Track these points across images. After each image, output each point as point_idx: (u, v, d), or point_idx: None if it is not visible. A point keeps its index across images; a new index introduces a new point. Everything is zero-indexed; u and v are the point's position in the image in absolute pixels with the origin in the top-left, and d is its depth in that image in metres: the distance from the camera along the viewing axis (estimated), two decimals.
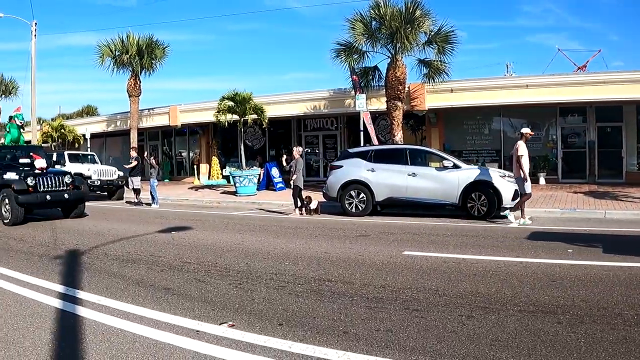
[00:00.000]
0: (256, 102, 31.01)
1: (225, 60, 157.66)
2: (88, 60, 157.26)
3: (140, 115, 40.92)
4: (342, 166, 19.94)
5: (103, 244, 13.56)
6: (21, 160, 20.66)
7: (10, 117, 23.59)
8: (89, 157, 34.27)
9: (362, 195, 19.01)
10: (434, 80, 27.07)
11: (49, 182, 19.30)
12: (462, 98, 28.97)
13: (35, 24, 41.86)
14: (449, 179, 18.00)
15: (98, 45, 38.03)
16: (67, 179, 19.97)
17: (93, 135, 43.93)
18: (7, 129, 23.28)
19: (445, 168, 18.24)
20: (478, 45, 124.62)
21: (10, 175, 18.98)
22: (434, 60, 26.65)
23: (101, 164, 33.91)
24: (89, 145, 42.42)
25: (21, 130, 23.25)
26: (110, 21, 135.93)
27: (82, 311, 7.43)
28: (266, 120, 31.60)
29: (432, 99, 29.38)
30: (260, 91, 61.83)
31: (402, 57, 26.54)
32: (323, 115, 35.72)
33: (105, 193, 31.11)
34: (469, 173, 17.99)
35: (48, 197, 19.01)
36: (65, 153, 33.11)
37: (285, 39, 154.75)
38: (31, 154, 21.21)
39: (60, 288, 8.84)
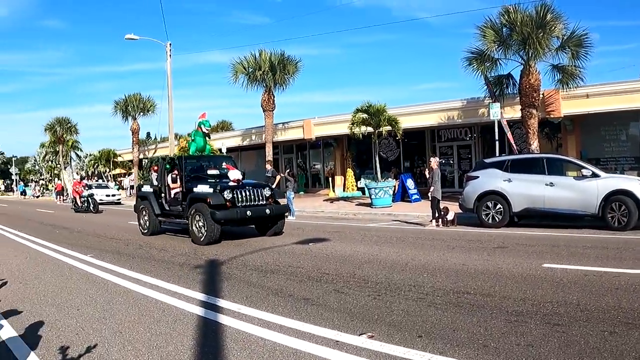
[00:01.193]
0: (390, 114, 30.98)
1: (356, 72, 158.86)
2: (221, 77, 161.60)
3: (275, 129, 41.59)
4: (478, 177, 19.64)
5: (242, 255, 13.90)
6: (209, 172, 18.80)
7: (197, 124, 20.87)
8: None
9: (498, 206, 18.65)
10: (568, 86, 26.30)
11: (248, 196, 17.40)
12: (598, 103, 27.96)
13: (170, 44, 43.37)
14: (587, 189, 17.36)
15: (232, 63, 39.02)
16: (266, 192, 18.05)
17: (229, 150, 44.84)
18: (192, 137, 21.11)
19: (584, 177, 17.57)
20: (612, 46, 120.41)
21: (202, 188, 17.29)
22: (568, 66, 25.87)
23: None
24: None
25: (207, 138, 21.14)
26: (241, 39, 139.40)
27: (223, 319, 7.62)
28: (400, 132, 31.50)
29: (568, 105, 28.55)
30: (393, 103, 61.72)
31: (535, 64, 25.92)
32: (457, 125, 35.30)
33: None
34: (608, 182, 17.26)
35: (249, 212, 16.89)
36: None
37: (416, 49, 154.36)
38: (224, 164, 19.81)
39: (201, 296, 9.13)
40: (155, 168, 20.50)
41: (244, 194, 17.31)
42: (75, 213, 35.56)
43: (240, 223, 17.80)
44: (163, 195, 19.44)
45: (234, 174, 17.70)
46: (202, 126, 20.39)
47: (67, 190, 60.47)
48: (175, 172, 19.05)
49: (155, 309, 8.40)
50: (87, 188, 39.27)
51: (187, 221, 17.24)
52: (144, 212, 19.81)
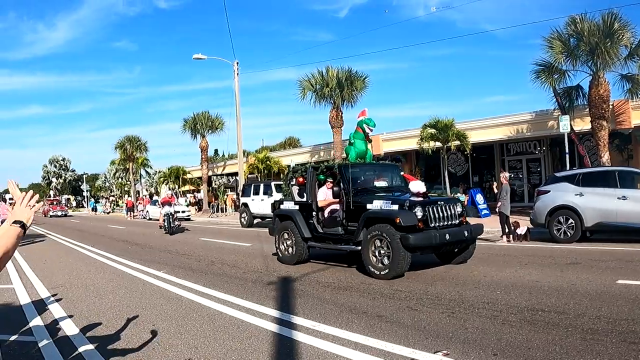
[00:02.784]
0: (458, 128, 30.97)
1: (423, 86, 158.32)
2: (288, 94, 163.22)
3: (343, 145, 41.64)
4: (549, 191, 19.45)
5: (314, 271, 14.05)
6: (377, 183, 15.39)
7: (357, 124, 17.10)
8: None
9: (570, 220, 18.42)
10: (637, 96, 25.89)
11: (442, 214, 13.27)
12: None
13: (237, 63, 44.10)
14: None
15: (299, 80, 39.61)
16: (458, 208, 13.87)
17: None
18: (350, 140, 17.11)
19: None
20: None
21: (381, 204, 13.26)
22: (637, 75, 25.48)
23: None
24: None
25: (369, 142, 17.05)
26: (307, 56, 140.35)
27: (297, 335, 7.74)
28: (469, 146, 31.41)
29: (638, 115, 28.09)
30: (460, 117, 61.30)
31: (603, 74, 25.62)
32: (526, 138, 34.98)
33: None
34: None
35: (447, 235, 12.78)
36: (272, 184, 34.55)
37: (483, 61, 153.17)
38: (402, 174, 16.67)
39: (274, 313, 9.25)
40: (301, 180, 16.36)
41: (437, 211, 13.19)
42: (160, 232, 31.72)
43: (435, 249, 13.54)
44: (315, 213, 15.38)
45: (417, 186, 13.78)
46: (365, 126, 16.57)
47: (137, 207, 61.45)
48: (329, 183, 15.22)
49: (229, 325, 8.55)
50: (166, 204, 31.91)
51: (357, 247, 13.45)
52: (285, 235, 15.91)
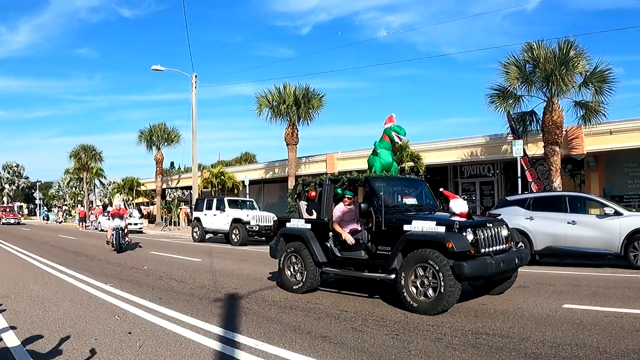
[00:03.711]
0: (413, 150, 31.13)
1: (381, 106, 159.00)
2: (246, 109, 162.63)
3: (298, 163, 41.77)
4: (500, 215, 19.54)
5: (261, 289, 13.91)
6: (407, 200, 13.07)
7: (384, 132, 15.02)
8: (248, 203, 35.43)
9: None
10: (590, 122, 26.21)
11: (491, 237, 11.26)
12: (621, 140, 27.88)
13: (196, 76, 44.27)
14: (610, 227, 17.27)
15: (256, 96, 39.56)
16: (505, 232, 11.75)
17: (251, 182, 45.15)
18: (376, 149, 14.92)
19: (606, 215, 17.48)
20: (637, 80, 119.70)
21: (421, 225, 11.21)
22: (591, 102, 25.81)
23: (259, 210, 34.75)
24: (247, 192, 43.61)
25: (394, 152, 15.22)
26: (268, 72, 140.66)
27: (240, 354, 7.65)
28: (423, 168, 31.59)
29: (591, 141, 28.51)
30: (418, 137, 61.61)
31: (558, 100, 25.98)
32: (480, 161, 35.33)
33: (264, 238, 31.85)
34: (631, 220, 17.12)
35: (502, 264, 10.89)
36: (225, 199, 34.43)
37: (441, 83, 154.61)
38: (441, 190, 13.83)
39: (219, 330, 9.12)
40: (313, 194, 14.37)
41: (487, 234, 11.17)
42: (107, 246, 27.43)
43: (487, 279, 11.59)
44: (331, 234, 13.00)
45: (459, 205, 11.82)
46: (395, 134, 14.56)
47: (89, 217, 60.76)
48: (347, 200, 13.15)
49: (173, 341, 8.41)
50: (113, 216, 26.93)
51: (390, 276, 11.38)
52: (293, 259, 13.55)
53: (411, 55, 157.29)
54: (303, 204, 14.83)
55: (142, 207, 70.59)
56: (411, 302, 10.59)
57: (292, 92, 38.40)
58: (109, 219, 28.35)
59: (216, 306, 11.55)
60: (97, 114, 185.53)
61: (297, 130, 39.26)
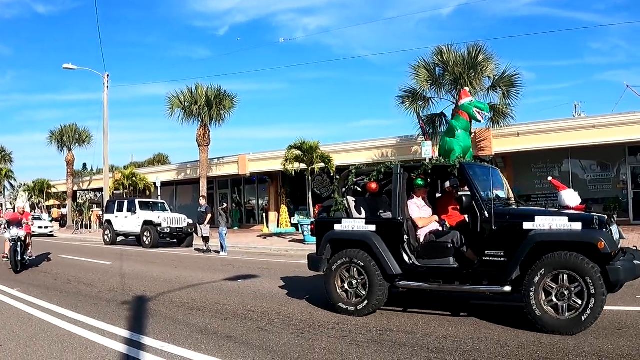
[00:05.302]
0: (323, 151, 31.34)
1: (295, 108, 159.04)
2: (159, 110, 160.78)
3: (210, 164, 41.63)
4: None
5: (170, 291, 13.77)
6: (498, 192, 10.35)
7: (459, 108, 12.35)
8: (160, 205, 35.09)
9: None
10: (498, 125, 26.94)
11: (617, 235, 9.28)
12: (529, 141, 28.71)
13: (108, 76, 43.54)
14: None
15: (168, 96, 39.33)
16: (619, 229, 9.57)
17: (164, 184, 44.73)
18: (452, 129, 11.93)
19: None
20: (548, 85, 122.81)
21: (549, 222, 9.00)
22: (499, 105, 26.49)
23: (171, 211, 34.52)
24: (159, 193, 43.25)
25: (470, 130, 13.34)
26: (183, 72, 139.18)
27: (145, 357, 7.62)
28: (334, 169, 31.79)
29: (499, 143, 29.24)
30: (331, 139, 61.98)
31: None
32: (390, 162, 35.59)
33: (175, 240, 31.67)
34: None
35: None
36: (136, 201, 34.06)
37: (355, 86, 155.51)
38: (550, 178, 11.45)
39: (125, 333, 9.03)
40: (374, 186, 11.36)
41: (614, 232, 9.22)
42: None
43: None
44: (406, 238, 10.36)
45: (572, 197, 9.88)
46: (476, 111, 11.66)
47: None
48: (419, 191, 11.17)
49: (78, 345, 8.29)
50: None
51: (505, 288, 9.13)
52: (353, 272, 10.52)
53: (326, 58, 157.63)
54: (352, 201, 11.66)
55: (53, 210, 69.14)
56: (546, 321, 8.41)
57: (204, 93, 38.24)
58: (3, 227, 21.38)
59: (124, 309, 11.41)
60: (8, 114, 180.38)
61: (209, 132, 39.16)
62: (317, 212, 12.63)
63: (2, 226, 32.66)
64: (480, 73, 25.74)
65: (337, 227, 11.02)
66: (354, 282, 10.38)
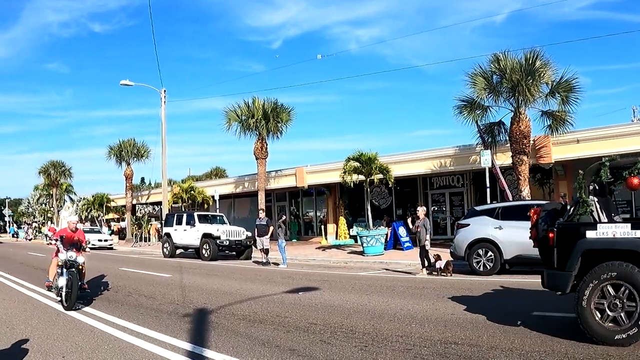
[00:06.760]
0: (381, 162, 31.13)
1: (351, 120, 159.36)
2: (216, 124, 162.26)
3: (268, 177, 41.65)
4: (469, 224, 19.63)
5: (231, 304, 13.77)
6: None
7: None
8: (218, 217, 35.15)
9: (489, 253, 18.60)
10: (557, 132, 26.40)
11: None
12: (588, 148, 28.01)
13: (165, 91, 43.97)
14: None
15: (225, 110, 39.28)
16: None
17: (222, 197, 44.93)
18: None
19: None
20: (604, 90, 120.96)
21: None
22: (557, 111, 26.02)
23: (230, 224, 34.58)
24: (217, 206, 43.40)
25: None
26: (238, 86, 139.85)
27: None
28: (392, 180, 31.61)
29: (558, 150, 28.65)
30: (387, 150, 61.76)
31: (525, 110, 26.18)
32: (449, 172, 35.42)
33: (234, 253, 31.78)
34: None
35: None
36: (195, 214, 34.15)
37: (411, 96, 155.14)
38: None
39: (187, 346, 9.05)
40: (637, 181, 8.97)
41: None
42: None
43: None
44: None
45: None
46: None
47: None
48: None
49: (140, 357, 8.34)
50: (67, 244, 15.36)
51: None
52: (615, 291, 8.33)
53: (380, 69, 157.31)
54: (595, 202, 9.45)
55: (113, 224, 70.02)
56: None
57: (261, 106, 38.25)
58: (54, 245, 14.98)
59: (185, 321, 11.46)
60: (67, 130, 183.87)
61: (267, 145, 39.11)
62: (534, 217, 10.70)
63: (48, 239, 31.38)
64: (538, 79, 25.33)
65: (589, 234, 8.87)
66: (618, 303, 8.18)
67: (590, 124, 53.81)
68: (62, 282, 13.46)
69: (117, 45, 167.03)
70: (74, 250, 14.24)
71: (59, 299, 13.69)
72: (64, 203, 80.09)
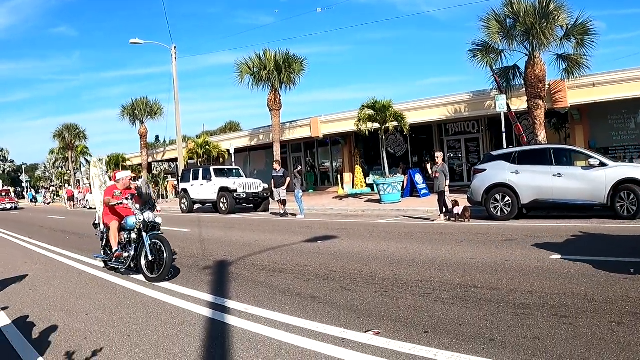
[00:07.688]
0: (396, 109, 31.01)
1: (363, 69, 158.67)
2: (228, 78, 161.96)
3: (282, 129, 41.55)
4: (485, 170, 19.54)
5: (250, 255, 13.86)
6: None
7: None
8: (234, 171, 35.26)
9: (507, 198, 18.55)
10: (573, 75, 26.13)
11: None
12: (605, 92, 27.76)
13: (175, 47, 43.85)
14: (596, 178, 17.15)
15: (236, 63, 39.06)
16: None
17: (237, 150, 44.93)
18: None
19: (592, 167, 17.33)
20: (618, 35, 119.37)
21: None
22: (573, 54, 25.73)
23: (246, 177, 34.71)
24: (233, 160, 43.44)
25: None
26: (248, 39, 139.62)
27: (230, 319, 7.63)
28: (407, 127, 31.54)
29: (574, 95, 28.41)
30: (400, 98, 61.48)
31: (539, 54, 25.93)
32: (464, 118, 35.25)
33: (252, 205, 31.98)
34: (616, 171, 17.01)
35: None
36: (211, 168, 34.34)
37: (422, 43, 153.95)
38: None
39: (208, 297, 9.12)
40: None
41: None
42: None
43: None
44: None
45: None
46: None
47: (76, 197, 60.14)
48: None
49: (162, 311, 8.40)
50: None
51: None
52: None
53: (390, 16, 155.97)
54: None
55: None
56: None
57: (272, 58, 38.00)
58: (124, 205, 12.48)
59: (205, 274, 11.55)
60: (78, 93, 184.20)
61: (280, 96, 38.93)
62: None
63: (83, 201, 31.51)
64: (553, 22, 25.03)
65: None
66: None
67: (606, 68, 53.16)
68: (137, 250, 11.52)
69: (124, 5, 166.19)
70: (148, 210, 11.95)
71: (123, 270, 11.91)
72: (80, 165, 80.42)
